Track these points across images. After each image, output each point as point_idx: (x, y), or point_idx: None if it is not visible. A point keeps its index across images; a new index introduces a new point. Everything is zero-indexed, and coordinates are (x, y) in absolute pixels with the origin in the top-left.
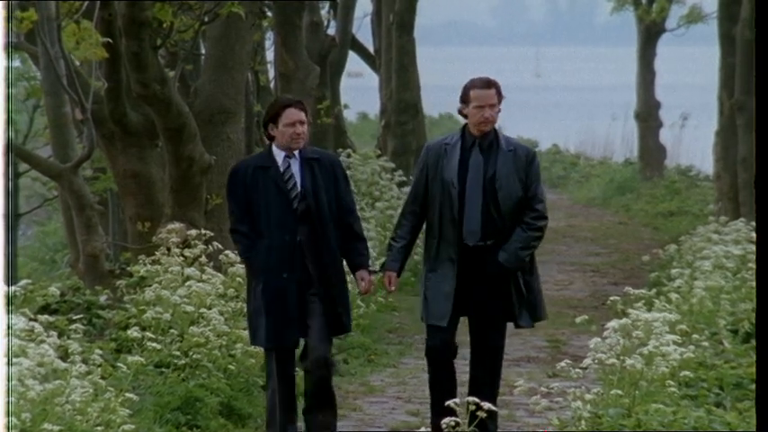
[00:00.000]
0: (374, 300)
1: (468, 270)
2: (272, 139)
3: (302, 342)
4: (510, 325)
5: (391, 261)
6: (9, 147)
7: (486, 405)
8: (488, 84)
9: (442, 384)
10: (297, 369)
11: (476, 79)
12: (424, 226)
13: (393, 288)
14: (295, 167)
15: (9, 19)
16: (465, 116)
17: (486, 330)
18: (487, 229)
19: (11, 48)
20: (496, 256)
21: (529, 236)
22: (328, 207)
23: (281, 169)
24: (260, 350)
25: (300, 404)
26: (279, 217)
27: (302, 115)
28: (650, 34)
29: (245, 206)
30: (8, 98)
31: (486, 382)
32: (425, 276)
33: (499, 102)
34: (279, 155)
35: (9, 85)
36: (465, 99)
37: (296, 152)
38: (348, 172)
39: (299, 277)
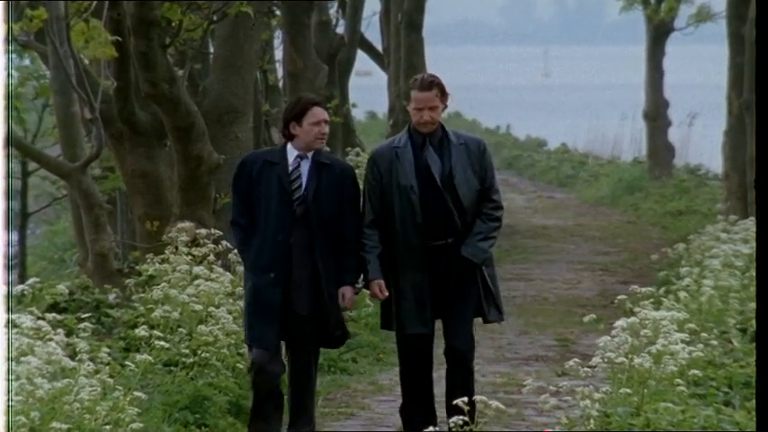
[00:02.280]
0: None
1: (436, 272)
2: (290, 138)
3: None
4: (517, 325)
5: (374, 271)
6: (9, 143)
7: (495, 404)
8: (429, 85)
9: (418, 396)
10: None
11: (418, 78)
12: None
13: (386, 294)
14: (305, 169)
15: (9, 19)
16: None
17: (457, 328)
18: (449, 226)
19: (10, 45)
20: (459, 251)
21: (489, 226)
22: (329, 214)
23: (290, 168)
24: None
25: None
26: (277, 215)
27: (326, 115)
28: (659, 33)
29: (247, 199)
30: (8, 96)
31: (459, 382)
32: (392, 285)
33: (443, 102)
34: (291, 153)
35: (9, 83)
36: (408, 96)
37: (309, 154)
38: (356, 170)
39: (285, 279)
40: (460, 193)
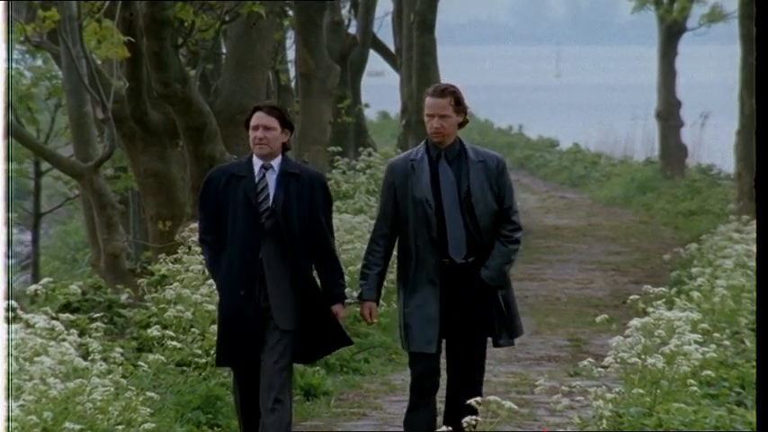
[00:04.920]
0: (394, 299)
1: (447, 290)
2: None
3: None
4: (529, 326)
5: (368, 290)
6: (9, 134)
7: (507, 404)
8: (441, 92)
9: (420, 420)
10: None
11: (433, 86)
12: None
13: (375, 320)
14: (271, 180)
15: (9, 17)
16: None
17: (468, 351)
18: (469, 246)
19: (10, 42)
20: (478, 273)
21: (509, 249)
22: (299, 226)
23: (256, 180)
24: None
25: None
26: (244, 231)
27: (269, 120)
28: (671, 33)
29: (213, 216)
30: (8, 90)
31: (466, 402)
32: (404, 302)
33: (458, 112)
34: (257, 164)
35: (9, 77)
36: (423, 105)
37: (275, 164)
38: (368, 171)
39: (257, 296)
40: (477, 211)
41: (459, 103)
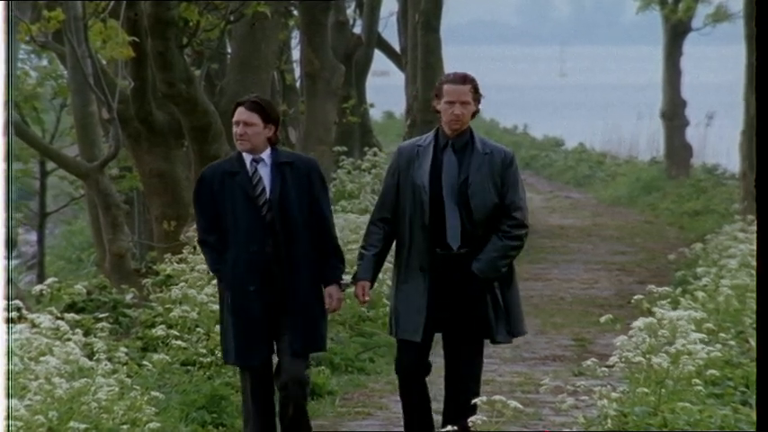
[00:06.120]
0: None
1: (442, 281)
2: None
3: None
4: (534, 325)
5: (363, 271)
6: (8, 131)
7: (513, 404)
8: (463, 79)
9: (413, 403)
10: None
11: (451, 73)
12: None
13: (367, 299)
14: (264, 172)
15: (9, 19)
16: (438, 112)
17: (461, 347)
18: (463, 237)
19: (11, 43)
20: (470, 265)
21: (505, 244)
22: (300, 215)
23: (249, 174)
24: None
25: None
26: (247, 226)
27: (249, 116)
28: (676, 33)
29: (212, 215)
30: (8, 89)
31: (461, 402)
32: (396, 288)
33: (476, 101)
34: (247, 158)
35: (9, 78)
36: (438, 94)
37: (265, 156)
38: (374, 170)
39: (267, 291)
40: (473, 204)
41: (476, 91)
